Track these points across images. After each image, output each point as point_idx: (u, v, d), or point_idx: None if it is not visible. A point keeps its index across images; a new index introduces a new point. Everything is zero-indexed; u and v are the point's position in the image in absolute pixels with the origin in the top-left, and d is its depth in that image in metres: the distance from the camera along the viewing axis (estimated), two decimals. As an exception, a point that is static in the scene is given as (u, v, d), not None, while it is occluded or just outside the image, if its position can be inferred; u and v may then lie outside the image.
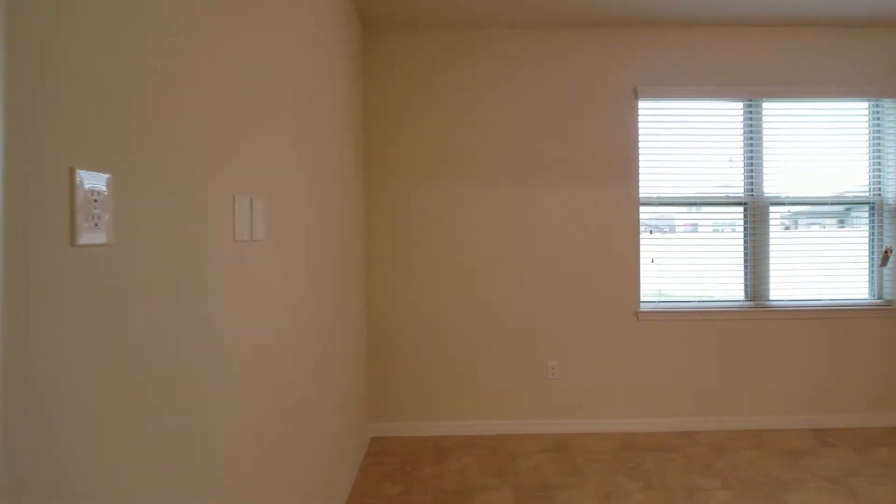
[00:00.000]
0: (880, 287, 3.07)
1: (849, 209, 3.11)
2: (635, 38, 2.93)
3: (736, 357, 2.96)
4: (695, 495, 2.22)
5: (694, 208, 3.02)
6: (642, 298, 2.98)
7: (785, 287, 3.04)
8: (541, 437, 2.85)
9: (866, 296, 3.09)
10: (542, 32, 2.90)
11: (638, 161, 2.92)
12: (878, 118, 3.06)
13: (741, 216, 3.02)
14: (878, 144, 3.06)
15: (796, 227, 3.12)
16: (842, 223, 3.15)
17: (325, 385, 1.92)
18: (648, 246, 2.99)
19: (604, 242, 2.92)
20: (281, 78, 1.41)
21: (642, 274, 2.97)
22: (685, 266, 3.01)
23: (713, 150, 2.99)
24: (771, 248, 3.02)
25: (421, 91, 2.89)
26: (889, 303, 3.03)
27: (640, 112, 2.95)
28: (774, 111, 3.01)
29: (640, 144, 2.96)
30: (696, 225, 3.05)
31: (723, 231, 3.06)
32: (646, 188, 2.97)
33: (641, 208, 2.97)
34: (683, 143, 2.98)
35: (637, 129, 2.93)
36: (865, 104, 3.06)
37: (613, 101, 2.92)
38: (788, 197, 3.02)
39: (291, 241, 1.50)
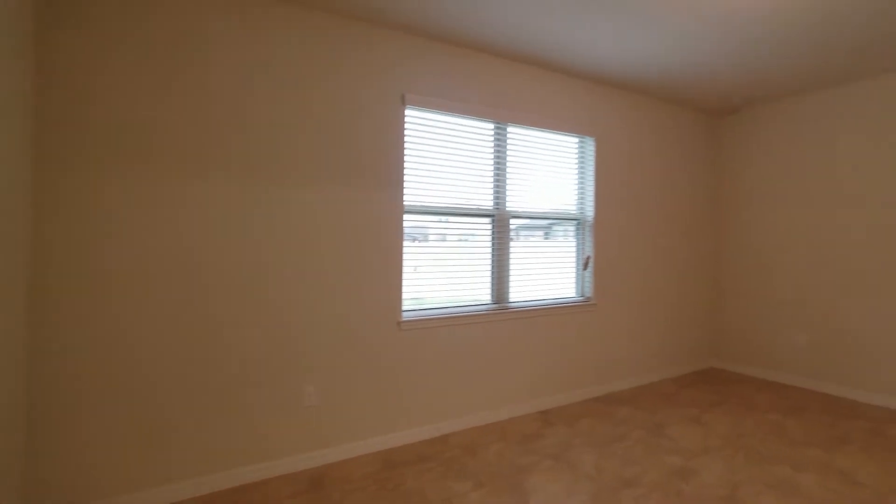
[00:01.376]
0: (583, 287, 3.80)
1: (562, 223, 3.75)
2: (408, 45, 2.86)
3: (484, 356, 3.21)
4: (452, 502, 2.24)
5: (453, 218, 3.14)
6: (404, 308, 2.95)
7: (520, 290, 3.46)
8: (294, 477, 2.49)
9: (574, 295, 3.79)
10: (308, 14, 2.55)
11: (403, 168, 2.87)
12: (583, 151, 3.79)
13: (489, 227, 3.30)
14: (582, 172, 3.79)
15: (527, 238, 3.59)
16: (556, 235, 3.77)
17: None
18: (410, 254, 2.98)
19: (366, 251, 2.77)
20: None
21: (404, 282, 2.94)
22: (443, 273, 3.11)
23: (469, 165, 3.17)
24: (511, 255, 3.40)
25: (138, 50, 2.17)
26: (589, 299, 3.77)
27: (406, 119, 2.91)
28: (517, 135, 3.39)
29: (406, 152, 2.91)
30: (449, 235, 3.18)
31: (471, 242, 3.28)
32: (410, 196, 2.95)
33: (406, 216, 2.93)
34: (445, 155, 3.07)
35: (403, 135, 2.87)
36: (576, 139, 3.74)
37: (381, 104, 2.79)
38: (525, 211, 3.45)
39: None
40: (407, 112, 2.92)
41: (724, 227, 4.68)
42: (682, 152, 4.40)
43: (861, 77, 3.62)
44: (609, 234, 3.86)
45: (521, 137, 3.41)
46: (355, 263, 2.72)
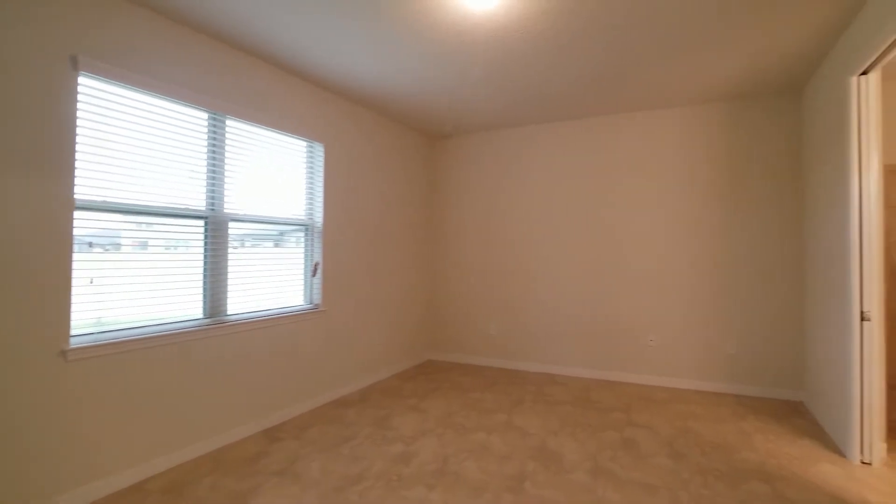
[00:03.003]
0: (312, 294, 3.75)
1: (290, 230, 3.63)
2: (73, -7, 2.25)
3: (194, 378, 2.78)
4: (143, 563, 1.82)
5: (153, 219, 2.63)
6: (74, 332, 2.29)
7: (241, 300, 3.16)
8: None
9: (303, 302, 3.70)
10: None
11: (74, 152, 2.23)
12: (312, 157, 3.76)
13: (201, 231, 2.90)
14: (312, 178, 3.76)
15: (250, 245, 3.32)
16: (288, 242, 3.63)
17: None
18: (86, 263, 2.34)
19: (11, 259, 2.03)
20: None
21: (75, 300, 2.28)
22: (137, 285, 2.57)
23: (177, 158, 2.72)
24: (231, 264, 3.07)
25: None
26: (317, 306, 3.74)
27: (81, 90, 2.28)
28: (237, 131, 3.10)
29: (81, 132, 2.29)
30: (151, 239, 2.66)
31: (178, 247, 2.83)
32: (87, 189, 2.32)
33: (79, 214, 2.29)
34: (143, 142, 2.55)
35: (75, 109, 2.24)
36: (305, 143, 3.69)
37: (36, 63, 2.10)
38: (247, 215, 3.17)
39: None
40: (84, 81, 2.30)
41: (436, 235, 5.40)
42: (405, 166, 4.88)
43: (530, 123, 4.76)
44: (337, 240, 3.94)
45: (243, 134, 3.14)
46: (-12, 274, 1.96)
